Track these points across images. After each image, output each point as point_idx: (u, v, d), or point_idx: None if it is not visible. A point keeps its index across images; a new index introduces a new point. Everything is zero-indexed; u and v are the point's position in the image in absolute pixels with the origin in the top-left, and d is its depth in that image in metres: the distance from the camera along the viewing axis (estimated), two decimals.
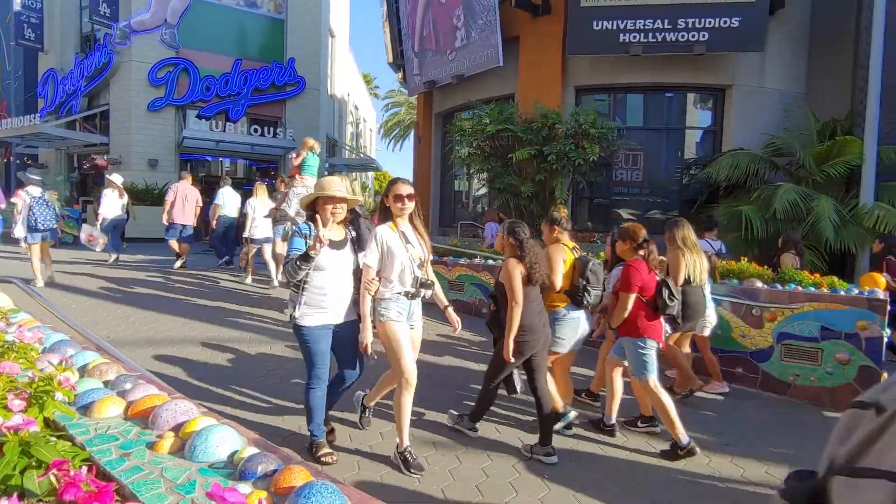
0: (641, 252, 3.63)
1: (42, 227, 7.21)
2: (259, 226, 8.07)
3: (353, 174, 29.03)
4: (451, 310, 3.28)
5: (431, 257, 3.32)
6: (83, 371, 2.13)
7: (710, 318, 4.63)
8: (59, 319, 4.60)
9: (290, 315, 3.04)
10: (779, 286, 5.06)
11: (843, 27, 9.64)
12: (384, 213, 3.20)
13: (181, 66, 17.77)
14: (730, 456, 3.53)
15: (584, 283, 3.62)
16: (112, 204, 9.36)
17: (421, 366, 3.25)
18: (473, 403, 3.72)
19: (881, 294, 4.49)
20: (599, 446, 3.63)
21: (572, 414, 3.77)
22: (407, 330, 3.12)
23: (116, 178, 9.60)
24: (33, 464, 1.22)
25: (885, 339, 4.45)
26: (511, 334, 3.23)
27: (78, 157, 20.02)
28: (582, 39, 9.88)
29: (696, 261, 4.31)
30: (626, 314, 3.53)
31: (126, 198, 9.73)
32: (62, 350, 2.29)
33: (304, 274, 2.93)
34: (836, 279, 5.04)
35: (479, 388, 3.69)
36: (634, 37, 9.50)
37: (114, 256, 9.57)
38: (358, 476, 2.99)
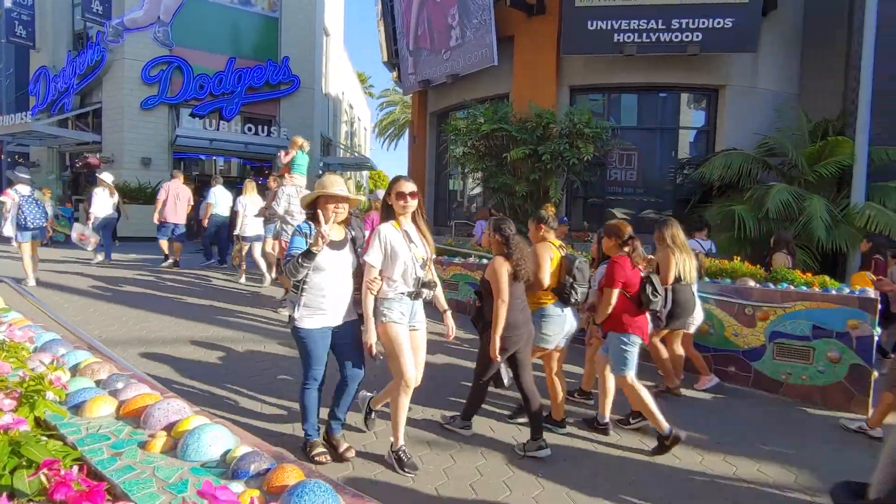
0: (626, 249, 3.71)
1: (32, 226, 7.16)
2: (250, 223, 8.08)
3: (348, 173, 28.96)
4: (448, 314, 3.24)
5: (434, 257, 3.27)
6: (75, 370, 2.12)
7: (697, 315, 4.68)
8: (50, 319, 4.58)
9: (289, 316, 3.02)
10: (771, 285, 5.09)
11: (835, 28, 9.71)
12: (386, 212, 3.12)
13: (174, 64, 17.68)
14: (722, 454, 3.55)
15: (571, 280, 3.65)
16: (103, 203, 9.31)
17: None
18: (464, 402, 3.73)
19: (872, 293, 4.52)
20: (593, 445, 3.65)
21: (563, 431, 3.80)
22: (407, 332, 3.05)
23: (107, 176, 9.55)
24: (24, 463, 1.21)
25: (876, 339, 4.49)
26: (497, 332, 3.24)
27: (70, 155, 19.88)
28: (576, 39, 9.91)
29: (685, 259, 4.42)
30: (611, 309, 3.61)
31: (117, 196, 9.69)
32: (54, 349, 2.28)
33: (304, 273, 2.87)
34: (827, 278, 5.07)
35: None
36: (629, 37, 9.54)
37: (99, 257, 9.47)
38: (352, 475, 2.98)
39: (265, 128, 18.63)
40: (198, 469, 1.40)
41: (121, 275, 8.52)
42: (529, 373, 3.50)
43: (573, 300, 3.67)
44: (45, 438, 1.45)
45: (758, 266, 5.66)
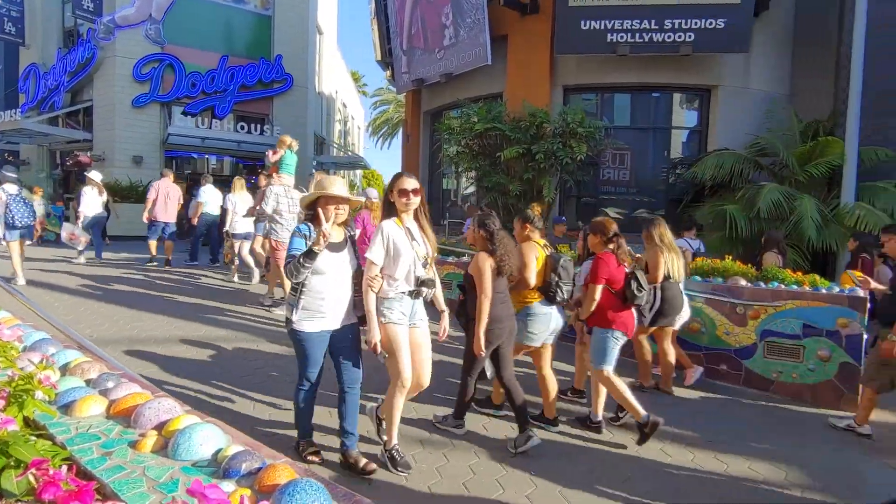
0: (611, 246, 3.78)
1: (20, 225, 7.10)
2: (239, 221, 8.08)
3: (341, 172, 28.89)
4: (445, 314, 3.24)
5: (436, 256, 3.24)
6: (65, 370, 2.09)
7: (684, 313, 4.74)
8: (40, 318, 4.53)
9: (287, 318, 2.94)
10: (762, 284, 5.13)
11: (825, 30, 9.79)
12: (388, 209, 3.08)
13: (166, 61, 17.54)
14: (714, 452, 3.58)
15: (557, 279, 3.68)
16: (92, 202, 9.25)
17: None
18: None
19: (861, 292, 4.57)
20: (586, 443, 3.66)
21: (555, 429, 3.82)
22: (407, 333, 3.01)
23: (96, 175, 9.49)
24: (12, 463, 1.20)
25: (865, 337, 4.53)
26: (480, 327, 3.26)
27: (61, 153, 19.68)
28: (570, 39, 9.93)
29: (673, 258, 4.52)
30: (595, 305, 3.67)
31: (105, 195, 9.62)
32: (43, 348, 2.25)
33: (305, 275, 2.82)
34: (817, 277, 5.12)
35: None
36: (622, 37, 9.56)
37: (82, 259, 9.35)
38: (344, 474, 2.98)
39: (258, 126, 18.53)
40: (189, 468, 1.39)
41: (112, 273, 8.46)
42: (510, 367, 3.56)
43: (559, 298, 3.71)
44: (33, 438, 1.44)
45: (749, 265, 5.70)
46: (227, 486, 1.27)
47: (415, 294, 3.02)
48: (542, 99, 10.32)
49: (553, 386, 3.81)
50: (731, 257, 5.82)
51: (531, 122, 9.69)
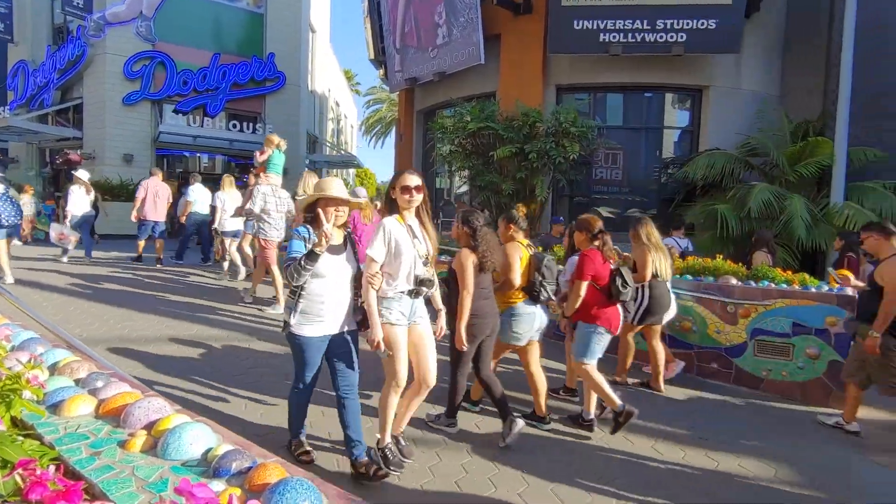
0: (596, 242, 3.84)
1: (6, 224, 7.02)
2: (228, 219, 8.06)
3: (334, 171, 28.80)
4: (442, 314, 3.23)
5: (437, 255, 3.21)
6: (53, 369, 2.07)
7: (671, 310, 4.80)
8: (28, 317, 4.49)
9: (285, 322, 2.87)
10: (753, 283, 5.17)
11: (816, 31, 9.88)
12: (390, 206, 3.04)
13: (157, 59, 17.41)
14: (704, 450, 3.61)
15: (540, 278, 3.71)
16: (79, 201, 9.17)
17: None
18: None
19: (849, 291, 4.61)
20: (578, 441, 3.67)
21: (547, 427, 3.84)
22: (405, 334, 2.98)
23: (83, 174, 9.41)
24: None
25: None
26: (462, 322, 3.28)
27: (50, 151, 19.49)
28: (563, 38, 9.95)
29: (660, 257, 4.58)
30: (580, 301, 3.72)
31: (93, 194, 9.55)
32: (31, 348, 2.23)
33: (305, 278, 2.76)
34: (807, 276, 5.16)
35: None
36: (614, 37, 9.60)
37: (66, 257, 9.28)
38: (337, 472, 2.97)
39: (250, 125, 18.45)
40: (178, 468, 1.38)
41: (101, 272, 8.39)
42: (488, 363, 3.61)
43: (542, 298, 3.74)
44: (21, 438, 1.42)
45: (740, 264, 5.74)
46: (217, 485, 1.26)
47: (414, 293, 2.98)
48: (535, 98, 10.34)
49: (542, 383, 3.83)
50: (721, 256, 5.86)
51: (524, 122, 9.71)
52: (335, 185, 2.91)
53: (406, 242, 2.90)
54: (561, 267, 4.56)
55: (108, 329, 5.43)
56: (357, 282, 2.95)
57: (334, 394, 2.96)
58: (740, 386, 4.99)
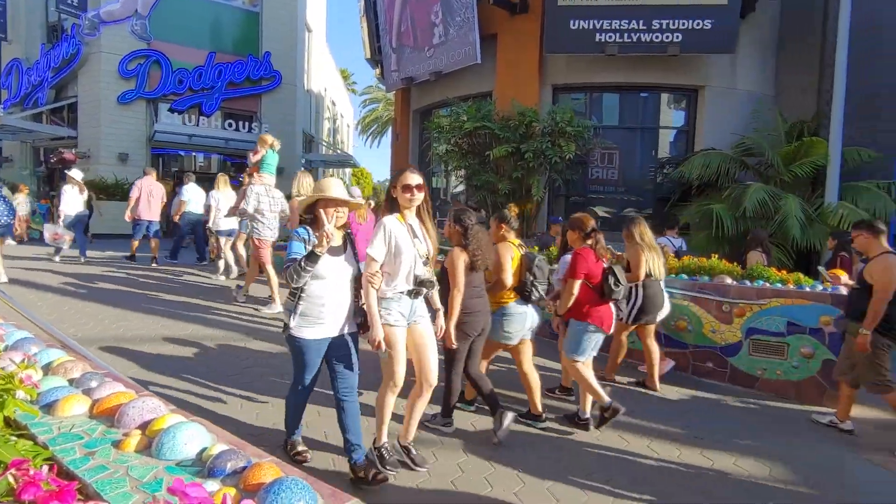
0: (589, 241, 3.88)
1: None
2: (223, 217, 8.06)
3: (330, 170, 28.76)
4: (440, 313, 3.21)
5: (437, 255, 3.18)
6: (47, 369, 2.07)
7: (664, 309, 4.83)
8: (22, 316, 4.47)
9: (284, 325, 2.83)
10: (748, 283, 5.19)
11: (810, 30, 9.93)
12: (391, 205, 2.99)
13: (153, 58, 17.36)
14: (700, 448, 3.62)
15: (532, 278, 3.73)
16: (72, 200, 9.14)
17: None
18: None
19: (843, 290, 4.63)
20: (574, 440, 3.68)
21: (543, 425, 3.86)
22: (404, 335, 2.96)
23: (76, 173, 9.38)
24: None
25: None
26: (452, 320, 3.29)
27: (45, 150, 19.41)
28: (559, 38, 9.96)
29: (654, 256, 4.61)
30: (573, 300, 3.75)
31: (87, 193, 9.52)
32: (25, 348, 2.22)
33: (306, 279, 2.71)
34: (801, 276, 5.19)
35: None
36: (610, 37, 9.62)
37: (59, 256, 9.25)
38: (333, 472, 2.97)
39: (246, 124, 18.40)
40: (173, 468, 1.38)
41: (96, 272, 8.36)
42: (477, 360, 3.65)
43: (534, 297, 3.76)
44: (14, 438, 1.42)
45: (735, 264, 5.77)
46: (212, 485, 1.26)
47: (414, 294, 2.95)
48: (532, 98, 10.35)
49: (536, 382, 3.85)
50: (717, 256, 5.88)
51: (520, 121, 9.72)
52: (335, 186, 2.87)
53: (406, 242, 2.87)
54: (555, 266, 4.57)
55: (102, 329, 5.41)
56: (357, 283, 2.91)
57: (332, 395, 2.94)
58: (735, 385, 5.01)
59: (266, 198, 6.41)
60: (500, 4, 10.65)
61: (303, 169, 12.54)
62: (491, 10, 10.79)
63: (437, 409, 3.75)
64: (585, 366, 3.81)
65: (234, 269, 8.24)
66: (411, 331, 3.01)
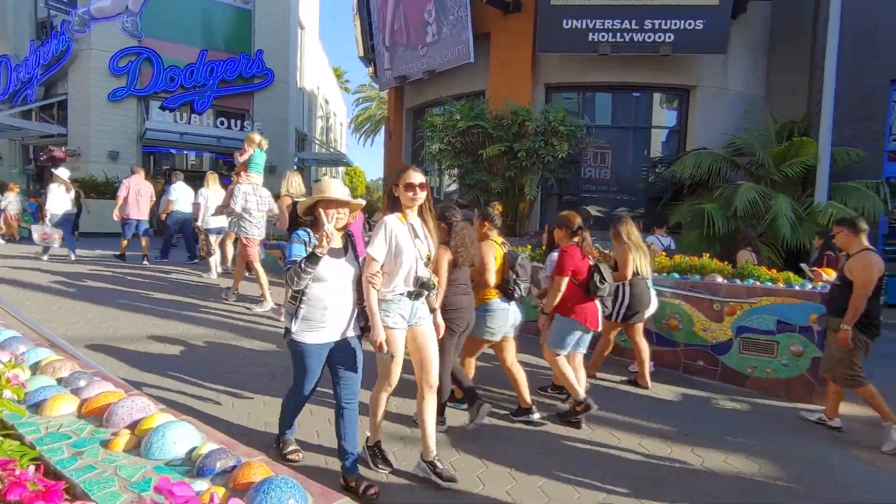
0: (576, 239, 3.93)
1: None
2: (214, 216, 8.03)
3: (323, 169, 28.66)
4: (438, 314, 3.17)
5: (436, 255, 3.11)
6: (35, 368, 2.05)
7: (651, 306, 4.87)
8: (10, 316, 4.43)
9: (286, 329, 2.77)
10: (738, 281, 5.23)
11: (800, 30, 10.00)
12: (392, 203, 2.93)
13: (144, 55, 17.20)
14: (690, 446, 3.64)
15: (515, 276, 3.75)
16: (59, 199, 9.07)
17: None
18: None
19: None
20: (566, 438, 3.69)
21: (536, 416, 3.89)
22: (403, 337, 2.90)
23: (63, 172, 9.31)
24: None
25: None
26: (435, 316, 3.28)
27: (34, 148, 19.19)
28: (552, 37, 9.98)
29: (640, 255, 4.66)
30: (560, 297, 3.81)
31: (73, 192, 9.45)
32: (13, 347, 2.21)
33: (306, 281, 2.64)
34: (791, 274, 5.22)
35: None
36: (603, 36, 9.65)
37: (47, 255, 9.16)
38: (324, 471, 2.96)
39: (238, 122, 18.29)
40: (162, 467, 1.38)
41: (86, 271, 8.29)
42: (457, 354, 3.70)
43: (517, 295, 3.78)
44: (0, 438, 1.41)
45: (726, 263, 5.81)
46: (201, 484, 1.26)
47: (415, 295, 2.88)
48: (525, 97, 10.36)
49: (521, 376, 3.89)
50: (708, 255, 5.92)
51: (513, 120, 9.73)
52: (335, 187, 2.82)
53: (407, 242, 2.81)
54: (541, 265, 4.60)
55: (92, 328, 5.36)
56: (360, 285, 2.84)
57: (325, 394, 2.92)
58: (726, 383, 5.04)
59: (254, 197, 6.41)
60: (494, 3, 10.65)
61: (293, 168, 12.50)
62: (484, 9, 10.79)
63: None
64: (565, 359, 3.90)
65: (219, 269, 8.26)
66: (412, 333, 2.96)
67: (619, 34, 9.60)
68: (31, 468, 1.16)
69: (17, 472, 1.09)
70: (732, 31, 9.70)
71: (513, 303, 3.80)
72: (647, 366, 4.82)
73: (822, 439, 3.94)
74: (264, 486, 1.20)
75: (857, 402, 4.49)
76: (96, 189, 14.99)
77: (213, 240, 8.29)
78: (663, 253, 6.71)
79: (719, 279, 5.28)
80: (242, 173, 6.60)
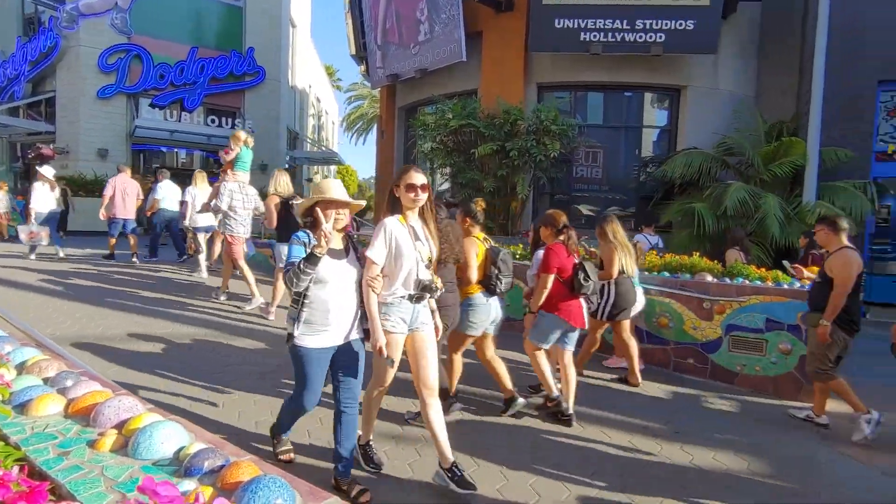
0: (562, 237, 4.00)
1: None
2: (201, 214, 8.02)
3: (315, 167, 28.57)
4: (437, 315, 3.12)
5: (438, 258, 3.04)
6: (21, 368, 2.03)
7: (639, 304, 4.91)
8: None
9: (288, 334, 2.70)
10: (728, 280, 5.27)
11: (790, 31, 10.09)
12: (393, 204, 2.86)
13: (133, 52, 17.07)
14: (680, 443, 3.66)
15: (497, 272, 3.77)
16: (43, 197, 8.98)
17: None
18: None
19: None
20: (557, 436, 3.70)
21: (520, 401, 3.94)
22: (402, 341, 2.84)
23: (47, 170, 9.22)
24: None
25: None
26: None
27: (21, 145, 18.99)
28: (544, 37, 10.01)
29: (625, 254, 4.71)
30: (546, 293, 3.86)
31: (58, 191, 9.35)
32: None
33: (306, 283, 2.58)
34: (780, 273, 5.28)
35: None
36: (595, 36, 9.68)
37: (34, 254, 9.07)
38: (314, 470, 2.95)
39: (229, 120, 18.17)
40: (149, 467, 1.36)
41: (74, 270, 8.21)
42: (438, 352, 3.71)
43: (498, 290, 3.80)
44: None
45: (716, 262, 5.85)
46: (189, 484, 1.25)
47: (416, 298, 2.82)
48: (517, 96, 10.39)
49: (501, 366, 3.95)
50: (698, 254, 5.96)
51: (505, 119, 9.75)
52: (334, 187, 2.75)
53: (407, 244, 2.75)
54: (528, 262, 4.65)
55: (80, 327, 5.31)
56: (362, 286, 2.78)
57: (326, 399, 2.87)
58: (715, 381, 5.08)
59: (239, 195, 6.39)
60: (486, 2, 10.66)
61: (284, 167, 12.45)
62: (476, 8, 10.80)
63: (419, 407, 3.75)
64: (544, 354, 3.98)
65: (204, 269, 8.25)
66: (412, 337, 2.89)
67: (610, 34, 9.64)
68: (16, 469, 1.15)
69: (1, 473, 1.08)
70: (723, 32, 9.77)
71: (494, 298, 3.82)
72: (637, 363, 4.84)
73: (809, 436, 3.98)
74: (252, 485, 1.19)
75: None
76: (85, 187, 14.85)
77: (202, 238, 8.24)
78: (653, 252, 6.76)
79: (709, 278, 5.32)
80: (229, 171, 6.57)
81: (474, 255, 3.75)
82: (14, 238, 12.15)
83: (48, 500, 1.05)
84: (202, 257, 8.31)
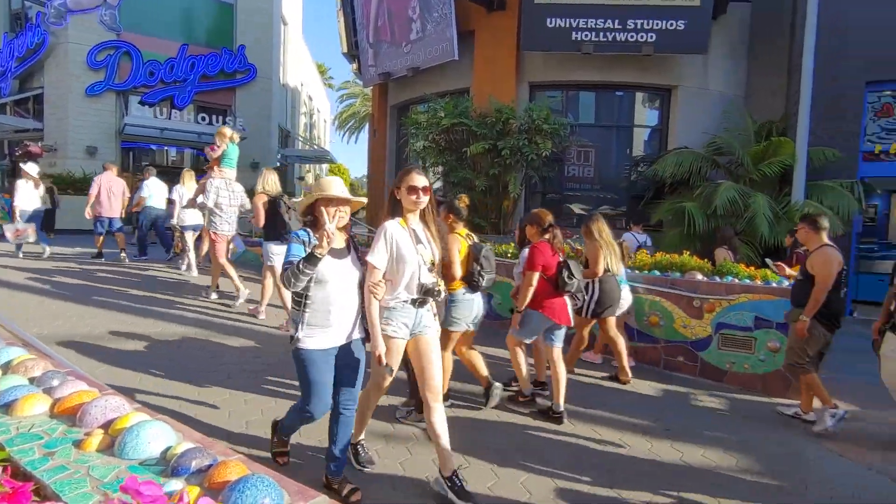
0: (547, 235, 4.08)
1: None
2: (188, 212, 7.97)
3: (307, 166, 28.45)
4: (436, 317, 3.12)
5: (441, 261, 2.97)
6: (7, 368, 2.00)
7: (625, 301, 4.96)
8: None
9: (291, 337, 2.64)
10: (717, 278, 5.31)
11: (779, 32, 10.18)
12: (393, 207, 2.80)
13: (122, 49, 16.90)
14: (670, 441, 3.69)
15: (479, 268, 3.79)
16: (27, 195, 8.88)
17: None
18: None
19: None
20: (548, 434, 3.72)
21: (497, 385, 4.04)
22: (402, 347, 2.80)
23: (31, 168, 9.11)
24: None
25: None
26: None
27: (9, 143, 18.75)
28: (535, 36, 10.02)
29: (611, 252, 4.77)
30: (532, 291, 3.92)
31: (42, 188, 9.25)
32: None
33: (305, 283, 2.52)
34: (769, 272, 5.32)
35: None
36: (586, 35, 9.71)
37: (21, 252, 8.97)
38: (304, 470, 2.94)
39: (220, 118, 18.03)
40: (136, 467, 1.35)
41: (62, 268, 8.13)
42: None
43: (481, 286, 3.82)
44: None
45: (706, 260, 5.90)
46: (175, 484, 1.24)
47: (419, 303, 2.77)
48: (508, 95, 10.39)
49: (476, 357, 4.03)
50: (688, 253, 6.00)
51: (497, 118, 9.75)
52: (335, 184, 2.69)
53: (409, 248, 2.70)
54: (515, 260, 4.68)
55: (69, 326, 5.26)
56: (363, 287, 2.72)
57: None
58: (705, 378, 5.12)
59: (225, 192, 6.37)
60: (478, 1, 10.66)
61: (275, 165, 12.39)
62: (468, 7, 10.79)
63: (412, 403, 3.76)
64: (523, 350, 4.12)
65: (194, 268, 8.19)
66: (415, 341, 2.84)
67: (602, 33, 9.67)
68: None
69: None
70: (713, 32, 9.83)
71: (477, 294, 3.84)
72: (626, 360, 4.88)
73: (796, 433, 4.02)
74: (240, 484, 1.19)
75: (833, 398, 4.58)
76: (73, 185, 14.70)
77: (190, 236, 8.18)
78: (643, 251, 6.80)
79: (699, 276, 5.37)
80: (215, 167, 6.54)
81: (457, 252, 3.76)
82: (0, 237, 12.02)
83: (32, 500, 1.03)
84: (192, 255, 8.26)
